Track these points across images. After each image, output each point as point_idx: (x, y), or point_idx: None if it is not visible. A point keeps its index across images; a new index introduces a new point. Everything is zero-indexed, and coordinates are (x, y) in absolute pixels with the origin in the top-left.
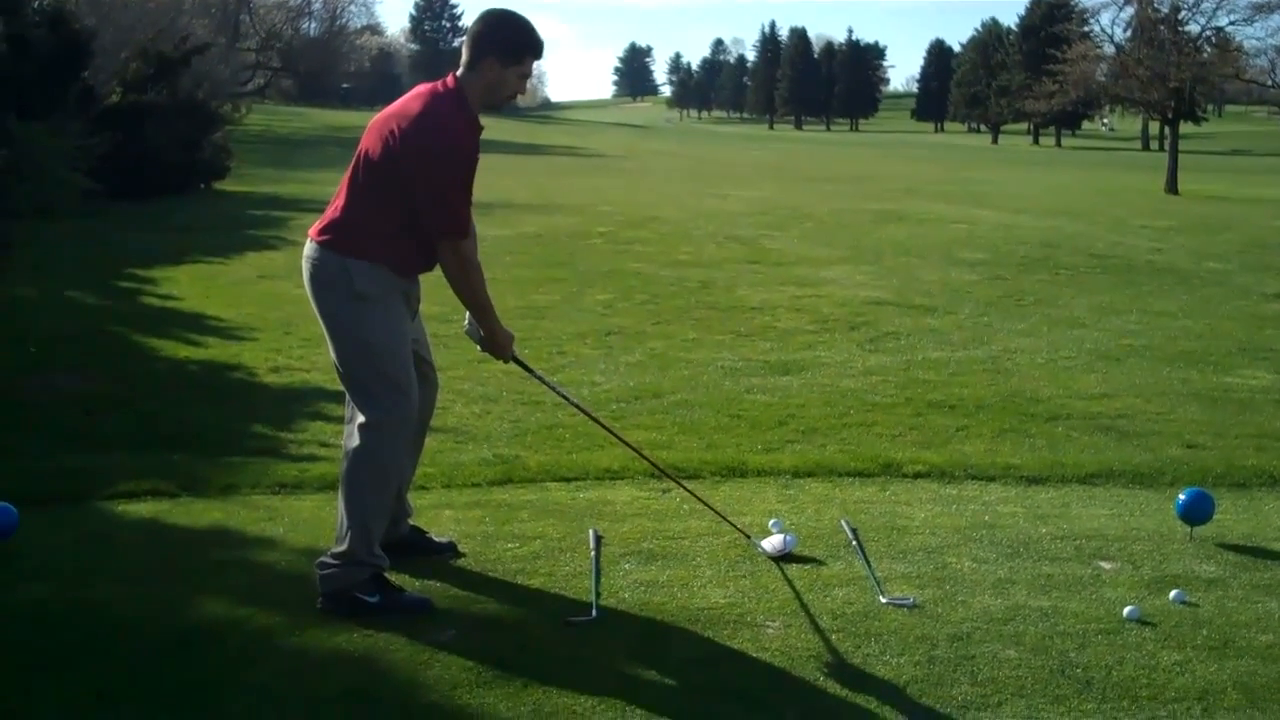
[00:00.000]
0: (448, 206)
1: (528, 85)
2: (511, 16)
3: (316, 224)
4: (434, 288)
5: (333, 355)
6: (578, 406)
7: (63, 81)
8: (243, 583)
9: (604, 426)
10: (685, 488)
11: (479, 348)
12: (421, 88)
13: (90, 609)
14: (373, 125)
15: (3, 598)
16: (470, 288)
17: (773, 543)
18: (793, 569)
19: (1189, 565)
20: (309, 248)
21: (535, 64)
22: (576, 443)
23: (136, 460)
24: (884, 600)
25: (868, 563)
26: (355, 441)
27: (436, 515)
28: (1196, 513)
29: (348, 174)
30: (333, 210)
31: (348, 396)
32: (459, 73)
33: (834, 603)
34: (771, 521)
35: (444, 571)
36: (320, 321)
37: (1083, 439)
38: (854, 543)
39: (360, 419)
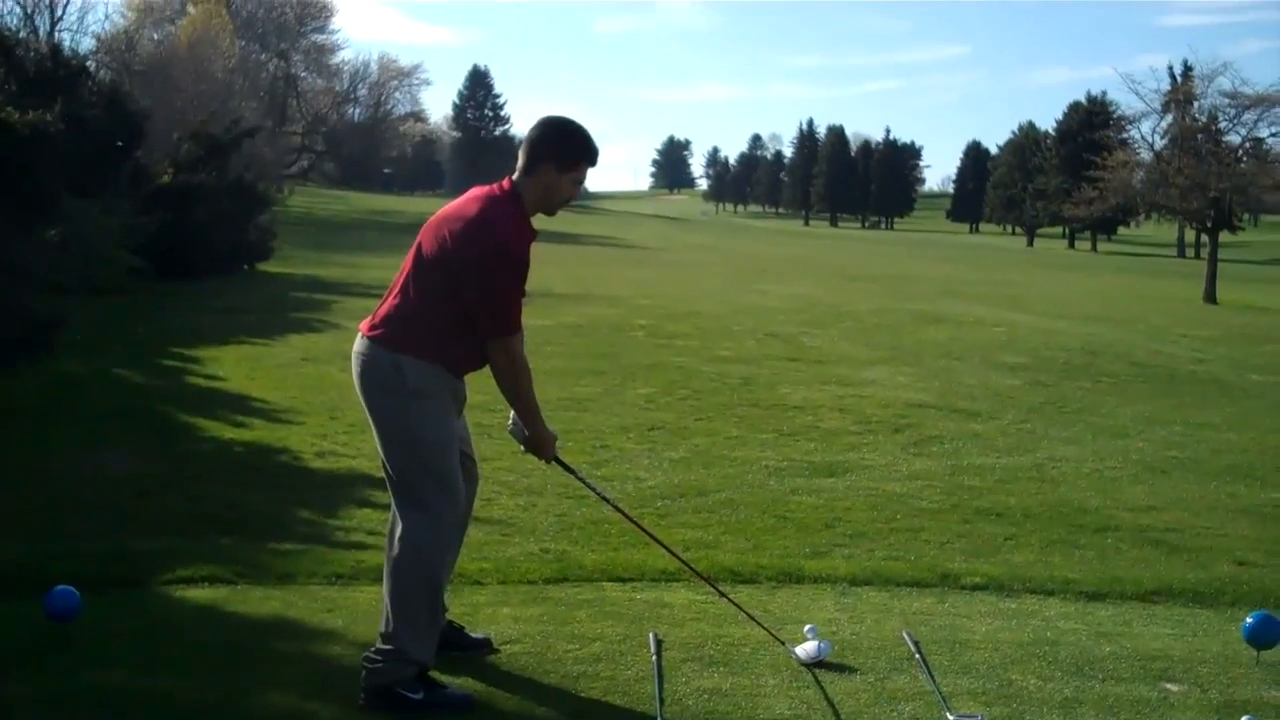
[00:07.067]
0: (499, 309)
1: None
2: (570, 125)
3: (368, 319)
4: (477, 376)
5: (380, 452)
6: (616, 508)
7: (116, 161)
8: (307, 674)
9: (645, 531)
10: (723, 593)
11: (522, 448)
12: (478, 190)
13: (156, 697)
14: (429, 225)
15: (68, 683)
16: (517, 387)
17: (806, 649)
18: (856, 681)
19: (1258, 690)
20: (360, 343)
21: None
22: (623, 539)
23: (190, 544)
24: (951, 717)
25: (932, 677)
26: (402, 540)
27: (494, 612)
28: (1264, 637)
29: (402, 272)
30: (386, 307)
31: (392, 492)
32: (515, 176)
33: (900, 717)
34: (807, 628)
35: (506, 671)
36: (369, 418)
37: (1132, 552)
38: (917, 656)
39: (409, 517)
